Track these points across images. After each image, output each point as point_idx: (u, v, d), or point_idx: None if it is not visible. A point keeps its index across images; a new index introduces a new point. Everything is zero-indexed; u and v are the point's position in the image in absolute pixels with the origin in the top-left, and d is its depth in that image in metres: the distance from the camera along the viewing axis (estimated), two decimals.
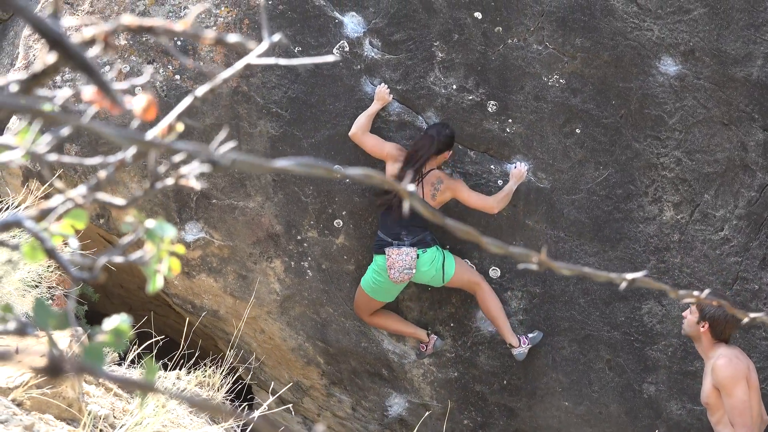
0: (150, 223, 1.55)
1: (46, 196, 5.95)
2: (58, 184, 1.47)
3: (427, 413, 6.56)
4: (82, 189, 1.54)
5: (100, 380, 4.37)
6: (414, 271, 6.10)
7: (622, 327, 6.44)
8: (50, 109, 1.44)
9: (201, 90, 1.56)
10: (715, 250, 6.38)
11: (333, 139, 6.33)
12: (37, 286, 5.43)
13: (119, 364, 5.17)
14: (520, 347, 6.32)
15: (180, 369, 5.34)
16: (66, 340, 4.24)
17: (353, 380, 6.66)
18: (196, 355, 5.71)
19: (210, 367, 5.44)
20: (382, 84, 6.29)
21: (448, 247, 6.34)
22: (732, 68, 6.32)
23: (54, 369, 1.01)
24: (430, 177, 6.18)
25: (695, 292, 2.00)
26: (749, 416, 5.36)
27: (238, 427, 4.90)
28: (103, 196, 1.52)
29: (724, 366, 5.36)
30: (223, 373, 5.44)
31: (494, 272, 6.47)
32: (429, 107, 6.34)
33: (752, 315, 2.19)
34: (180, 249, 1.57)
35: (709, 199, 6.38)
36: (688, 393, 6.39)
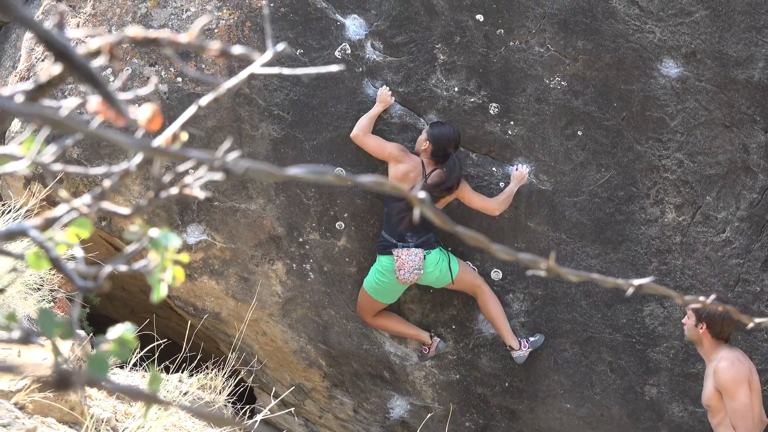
0: (154, 232, 1.55)
1: (48, 200, 5.95)
2: (63, 193, 1.47)
3: (428, 415, 6.56)
4: (86, 198, 1.54)
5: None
6: (422, 271, 6.12)
7: (623, 329, 6.44)
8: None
9: (205, 99, 1.56)
10: (716, 252, 6.39)
11: (335, 142, 6.33)
12: (39, 289, 5.43)
13: (121, 367, 5.17)
14: (521, 350, 6.32)
15: (182, 372, 5.34)
16: (68, 343, 4.24)
17: (355, 382, 6.67)
18: (198, 357, 5.71)
19: (212, 369, 5.45)
20: (384, 86, 6.29)
21: (450, 249, 6.34)
22: (733, 70, 6.33)
23: (61, 382, 1.02)
24: (434, 176, 6.18)
25: (701, 298, 2.00)
26: (751, 419, 5.36)
27: (240, 430, 4.90)
28: (107, 205, 1.53)
29: (726, 368, 5.36)
30: (225, 376, 5.44)
31: (496, 274, 6.48)
32: (431, 109, 6.34)
33: (758, 320, 2.19)
34: (184, 258, 1.58)
35: (710, 201, 6.38)
36: (689, 395, 6.39)
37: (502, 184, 6.36)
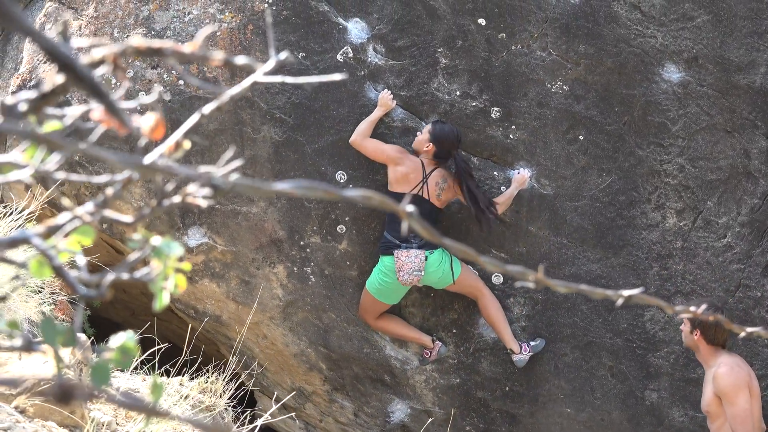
0: (156, 240, 1.55)
1: (50, 202, 5.95)
2: (65, 201, 1.47)
3: (429, 420, 6.56)
4: (89, 206, 1.54)
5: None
6: (423, 273, 6.11)
7: (624, 334, 6.44)
8: (58, 127, 1.45)
9: (208, 108, 1.56)
10: (717, 257, 6.38)
11: (336, 145, 6.33)
12: (39, 292, 5.43)
13: (122, 371, 5.17)
14: (521, 354, 6.32)
15: (183, 375, 5.34)
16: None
17: (355, 386, 6.66)
18: (199, 360, 5.71)
19: (212, 373, 5.44)
20: (386, 90, 6.29)
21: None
22: (735, 76, 6.33)
23: (63, 395, 1.02)
24: (435, 176, 6.18)
25: (692, 308, 2.00)
26: (751, 424, 5.35)
27: None
28: (110, 213, 1.53)
29: (725, 374, 5.36)
30: (226, 379, 5.44)
31: (497, 279, 6.48)
32: (432, 113, 6.34)
33: (749, 329, 2.18)
34: (186, 266, 1.58)
35: (711, 206, 6.38)
36: (690, 400, 6.39)
37: (503, 188, 6.36)
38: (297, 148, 6.32)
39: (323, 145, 6.33)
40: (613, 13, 6.32)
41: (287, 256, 6.39)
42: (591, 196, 6.40)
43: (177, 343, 6.47)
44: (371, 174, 6.34)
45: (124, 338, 1.53)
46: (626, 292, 1.81)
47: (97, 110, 1.33)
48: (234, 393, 5.50)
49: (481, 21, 6.34)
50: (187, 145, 1.55)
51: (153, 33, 6.26)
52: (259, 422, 4.52)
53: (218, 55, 1.25)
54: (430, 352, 6.48)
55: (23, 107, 1.36)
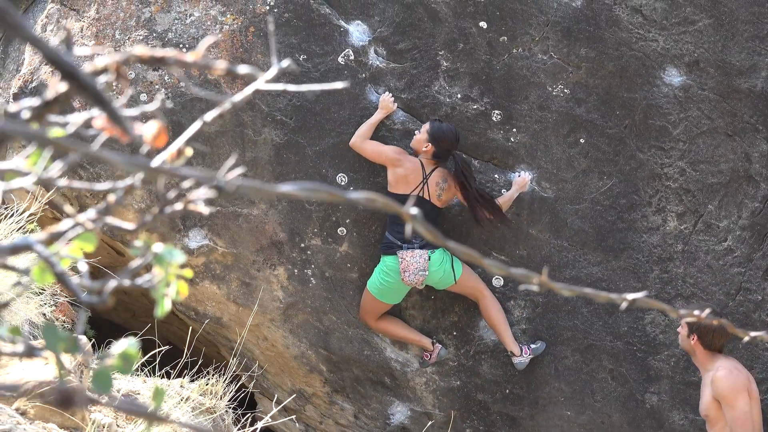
0: (158, 247, 1.55)
1: (51, 204, 5.96)
2: (68, 208, 1.48)
3: (429, 422, 6.56)
4: (91, 213, 1.55)
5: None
6: (427, 272, 6.12)
7: (624, 337, 6.45)
8: (61, 134, 1.45)
9: (210, 115, 1.57)
10: (718, 260, 6.39)
11: (337, 147, 6.33)
12: (40, 293, 5.44)
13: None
14: (522, 356, 6.32)
15: (183, 377, 5.35)
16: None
17: (356, 388, 6.67)
18: (200, 362, 5.72)
19: (213, 375, 5.45)
20: (387, 93, 6.29)
21: None
22: (736, 79, 6.33)
23: (64, 401, 1.02)
24: (435, 176, 6.18)
25: (696, 312, 2.00)
26: (751, 428, 5.34)
27: None
28: (112, 220, 1.53)
29: (724, 377, 5.35)
30: (226, 381, 5.44)
31: (497, 281, 6.48)
32: (434, 116, 6.35)
33: (753, 334, 2.19)
34: (188, 273, 1.58)
35: (712, 209, 6.38)
36: (690, 403, 6.39)
37: (504, 191, 6.36)
38: (298, 151, 6.33)
39: (324, 147, 6.34)
40: (614, 16, 6.32)
41: (288, 258, 6.40)
42: (592, 199, 6.41)
43: (177, 345, 6.47)
44: (372, 176, 6.35)
45: (125, 345, 1.53)
46: (630, 296, 1.81)
47: (99, 118, 1.34)
48: (234, 395, 5.51)
49: (483, 24, 6.34)
50: (188, 152, 1.56)
51: (154, 35, 6.26)
52: (259, 424, 4.52)
53: (221, 65, 1.25)
54: (431, 355, 6.48)
55: (26, 114, 1.36)
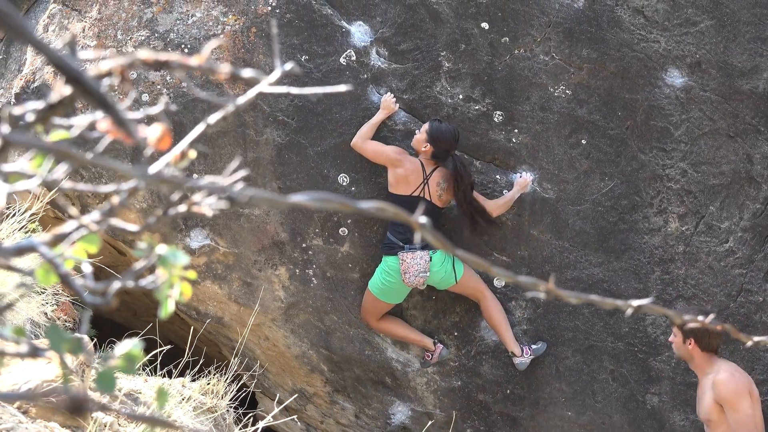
0: (162, 248, 1.56)
1: (52, 203, 5.96)
2: (72, 210, 1.49)
3: (430, 422, 6.57)
4: (95, 215, 1.55)
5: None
6: (428, 274, 6.13)
7: (625, 337, 6.45)
8: (65, 136, 1.46)
9: (213, 118, 1.58)
10: (719, 261, 6.39)
11: (339, 148, 6.34)
12: (42, 292, 5.44)
13: None
14: (523, 357, 6.33)
15: (184, 376, 5.36)
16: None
17: (357, 388, 6.68)
18: (201, 362, 5.72)
19: (214, 374, 5.46)
20: (389, 93, 6.30)
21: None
22: (738, 81, 6.34)
23: (75, 408, 1.03)
24: (436, 176, 6.19)
25: (700, 317, 2.01)
26: (755, 430, 5.30)
27: None
28: (116, 222, 1.54)
29: (726, 381, 5.29)
30: (228, 381, 5.45)
31: (499, 282, 6.49)
32: (435, 116, 6.35)
33: (756, 339, 2.19)
34: (191, 275, 1.59)
35: (714, 211, 6.39)
36: (691, 404, 6.39)
37: (505, 192, 6.36)
38: (299, 151, 6.33)
39: (326, 147, 6.34)
40: (616, 17, 6.32)
41: (289, 258, 6.41)
42: (593, 200, 6.41)
43: (179, 344, 6.48)
44: (373, 176, 6.36)
45: (129, 345, 1.54)
46: (636, 302, 1.82)
47: (103, 121, 1.34)
48: (236, 394, 5.51)
49: (485, 25, 6.35)
50: (192, 154, 1.56)
51: (156, 35, 6.27)
52: (261, 424, 4.53)
53: (225, 68, 1.26)
54: (432, 355, 6.48)
55: (31, 117, 1.37)
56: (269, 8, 6.29)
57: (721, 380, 5.28)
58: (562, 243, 6.43)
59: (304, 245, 6.40)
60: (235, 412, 5.58)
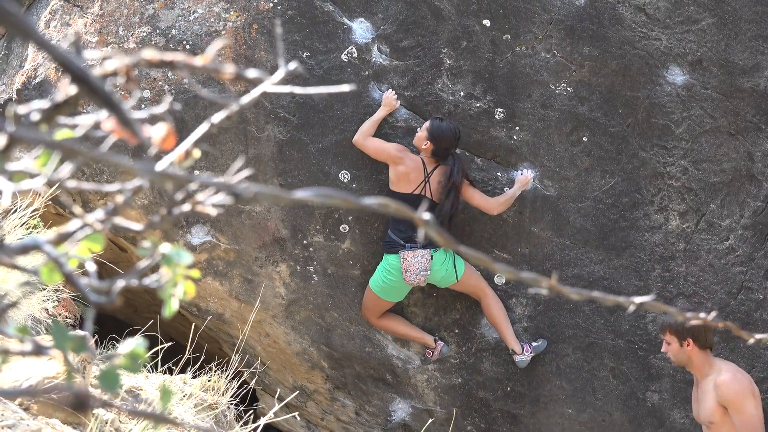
0: (166, 247, 1.57)
1: (53, 199, 5.97)
2: (77, 209, 1.49)
3: (430, 419, 6.58)
4: (99, 213, 1.56)
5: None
6: (429, 272, 6.13)
7: (626, 335, 6.46)
8: (70, 135, 1.46)
9: (217, 117, 1.58)
10: (720, 259, 6.40)
11: (340, 144, 6.34)
12: (43, 289, 5.45)
13: None
14: (523, 354, 6.34)
15: (185, 373, 5.36)
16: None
17: (357, 385, 6.68)
18: (202, 358, 5.73)
19: (215, 371, 5.46)
20: (390, 90, 6.30)
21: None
22: (739, 78, 6.34)
23: (78, 404, 1.03)
24: (437, 174, 6.19)
25: (701, 314, 2.01)
26: (761, 430, 5.24)
27: None
28: (120, 221, 1.54)
29: (730, 382, 5.20)
30: (228, 378, 5.46)
31: (499, 279, 6.49)
32: (436, 114, 6.35)
33: (758, 336, 2.19)
34: (195, 273, 1.59)
35: (715, 208, 6.39)
36: (691, 402, 6.40)
37: (506, 189, 6.37)
38: (301, 148, 6.34)
39: (327, 144, 6.35)
40: (617, 15, 6.32)
41: (290, 255, 6.41)
42: (594, 197, 6.42)
43: (180, 341, 6.48)
44: (375, 173, 6.36)
45: (133, 344, 1.54)
46: (638, 299, 1.82)
47: (108, 121, 1.35)
48: (236, 391, 5.52)
49: (486, 22, 6.35)
50: (196, 153, 1.57)
51: (158, 31, 6.27)
52: (262, 421, 4.54)
53: (229, 68, 1.27)
54: (432, 352, 6.49)
55: (36, 116, 1.37)
56: (271, 5, 6.29)
57: (724, 382, 5.19)
58: (562, 240, 6.43)
59: (305, 242, 6.41)
60: (236, 408, 5.59)
